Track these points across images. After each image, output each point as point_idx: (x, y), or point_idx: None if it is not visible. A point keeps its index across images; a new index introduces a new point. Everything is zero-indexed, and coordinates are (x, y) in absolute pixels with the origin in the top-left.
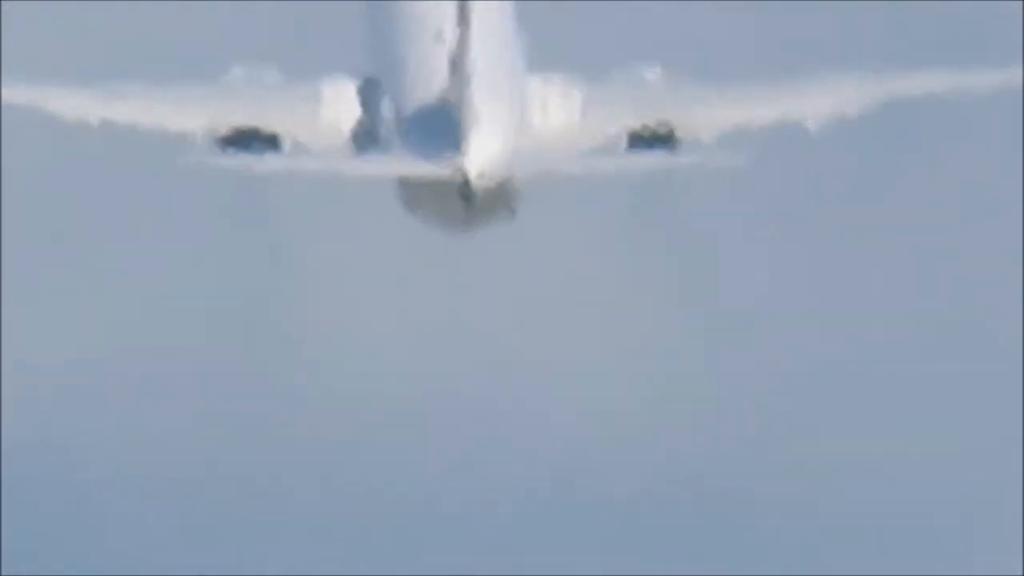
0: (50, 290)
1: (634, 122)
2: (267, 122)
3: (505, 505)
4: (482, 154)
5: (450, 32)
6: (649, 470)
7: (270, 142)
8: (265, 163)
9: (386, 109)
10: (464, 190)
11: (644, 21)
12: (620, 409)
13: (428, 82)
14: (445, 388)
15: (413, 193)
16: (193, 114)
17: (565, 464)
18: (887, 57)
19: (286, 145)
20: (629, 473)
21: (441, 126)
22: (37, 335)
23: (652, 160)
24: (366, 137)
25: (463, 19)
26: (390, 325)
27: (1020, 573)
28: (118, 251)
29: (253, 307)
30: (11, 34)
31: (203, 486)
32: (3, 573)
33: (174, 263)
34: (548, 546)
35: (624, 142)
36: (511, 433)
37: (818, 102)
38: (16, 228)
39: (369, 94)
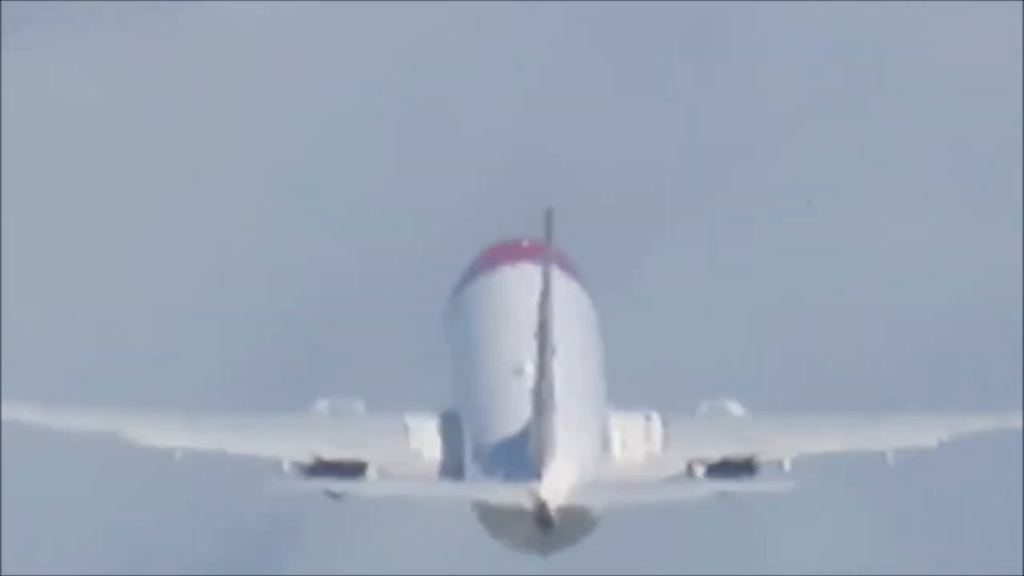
0: None
1: (715, 453)
2: (352, 454)
3: None
4: (559, 483)
5: (530, 366)
6: None
7: (354, 473)
8: (349, 488)
9: (467, 441)
10: (541, 517)
11: (724, 358)
12: None
13: (508, 415)
14: None
15: (494, 518)
16: (280, 445)
17: None
18: (957, 396)
19: (371, 475)
20: None
21: (520, 455)
22: None
23: (730, 487)
24: (449, 470)
25: (544, 350)
26: None
27: None
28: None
29: None
30: (89, 360)
31: None
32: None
33: None
34: None
35: (703, 470)
36: None
37: (895, 434)
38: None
39: (451, 427)
